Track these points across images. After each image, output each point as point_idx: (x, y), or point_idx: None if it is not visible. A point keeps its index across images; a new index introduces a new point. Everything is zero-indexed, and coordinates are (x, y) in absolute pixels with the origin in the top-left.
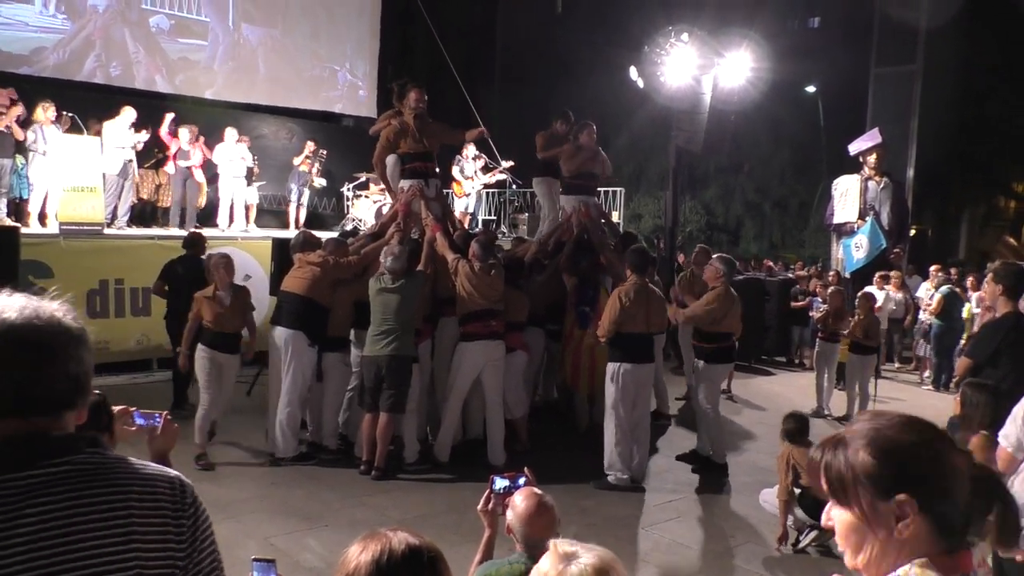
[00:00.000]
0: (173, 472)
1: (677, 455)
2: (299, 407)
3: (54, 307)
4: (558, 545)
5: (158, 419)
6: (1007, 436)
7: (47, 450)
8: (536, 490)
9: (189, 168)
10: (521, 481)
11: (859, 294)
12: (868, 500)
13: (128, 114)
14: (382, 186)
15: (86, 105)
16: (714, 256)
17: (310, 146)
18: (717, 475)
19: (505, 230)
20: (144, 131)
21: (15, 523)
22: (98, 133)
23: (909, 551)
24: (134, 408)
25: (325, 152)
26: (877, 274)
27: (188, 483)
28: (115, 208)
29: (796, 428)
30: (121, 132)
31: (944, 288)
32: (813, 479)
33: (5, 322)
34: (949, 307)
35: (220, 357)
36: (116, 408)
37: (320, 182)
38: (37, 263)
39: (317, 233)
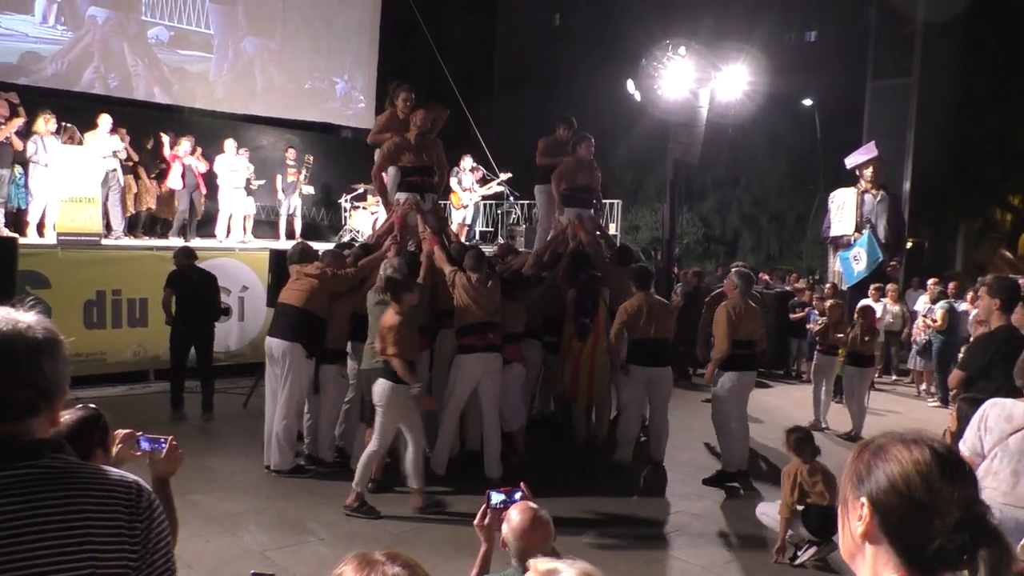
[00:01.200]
0: (132, 477)
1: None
2: (296, 420)
3: (26, 316)
4: (538, 564)
5: (163, 444)
6: (965, 441)
7: (9, 454)
8: (531, 504)
9: (197, 181)
10: (517, 496)
11: (858, 306)
12: (850, 496)
13: (105, 122)
14: (379, 197)
15: (86, 116)
16: (733, 269)
17: (291, 153)
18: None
19: (502, 242)
20: (127, 138)
21: None
22: (80, 143)
23: (871, 559)
24: (140, 432)
25: (311, 158)
26: (872, 286)
27: (146, 488)
28: (106, 218)
29: (805, 444)
30: (101, 142)
31: (943, 303)
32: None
33: None
34: (950, 321)
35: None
36: (122, 432)
37: (308, 189)
38: (34, 273)
39: (315, 244)
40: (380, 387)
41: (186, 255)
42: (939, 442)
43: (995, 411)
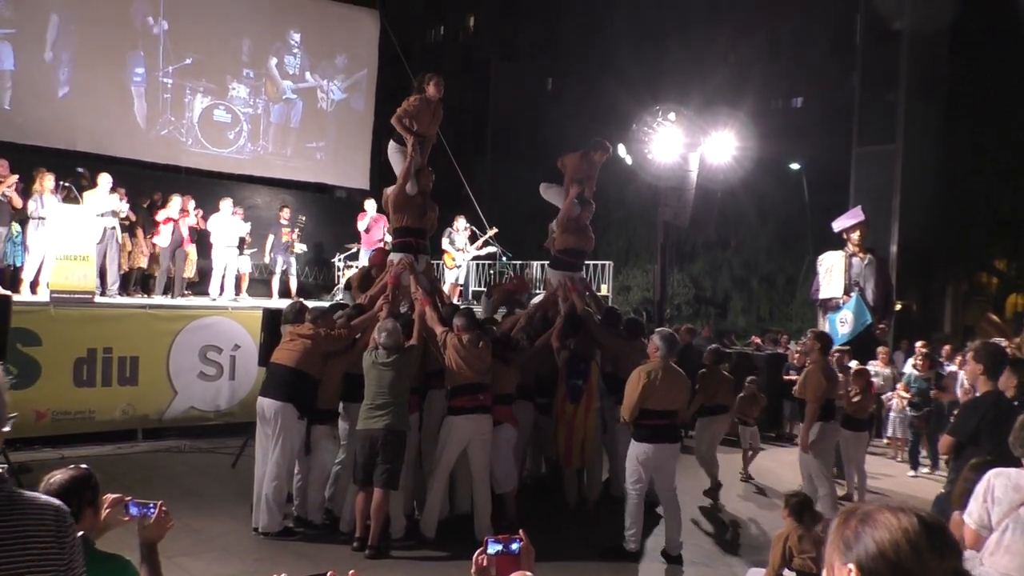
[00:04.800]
0: (57, 501)
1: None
2: (286, 481)
3: None
4: None
5: (152, 509)
6: (971, 514)
7: None
8: (528, 574)
9: (180, 238)
10: (514, 545)
11: (854, 370)
12: (837, 562)
13: (105, 181)
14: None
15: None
16: (655, 331)
17: (286, 213)
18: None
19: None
20: (123, 198)
21: None
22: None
23: None
24: (128, 497)
25: (304, 217)
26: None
27: (67, 510)
28: (103, 276)
29: (802, 509)
30: (101, 201)
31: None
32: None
33: None
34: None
35: None
36: (111, 496)
37: (301, 247)
38: (26, 331)
39: (308, 303)
40: None
41: None
42: (926, 511)
43: (1000, 481)
